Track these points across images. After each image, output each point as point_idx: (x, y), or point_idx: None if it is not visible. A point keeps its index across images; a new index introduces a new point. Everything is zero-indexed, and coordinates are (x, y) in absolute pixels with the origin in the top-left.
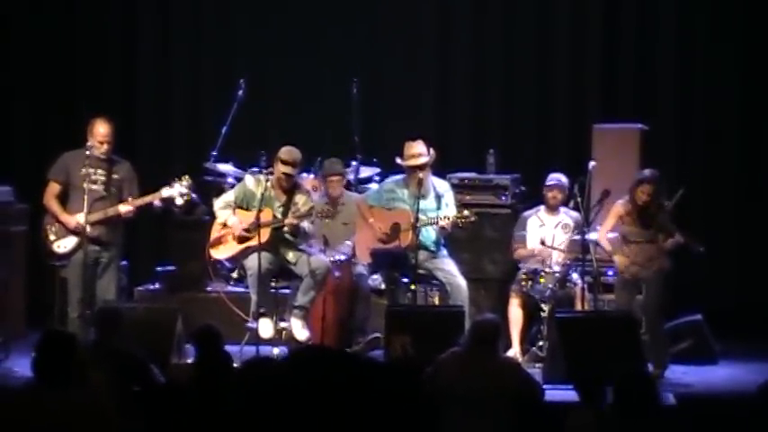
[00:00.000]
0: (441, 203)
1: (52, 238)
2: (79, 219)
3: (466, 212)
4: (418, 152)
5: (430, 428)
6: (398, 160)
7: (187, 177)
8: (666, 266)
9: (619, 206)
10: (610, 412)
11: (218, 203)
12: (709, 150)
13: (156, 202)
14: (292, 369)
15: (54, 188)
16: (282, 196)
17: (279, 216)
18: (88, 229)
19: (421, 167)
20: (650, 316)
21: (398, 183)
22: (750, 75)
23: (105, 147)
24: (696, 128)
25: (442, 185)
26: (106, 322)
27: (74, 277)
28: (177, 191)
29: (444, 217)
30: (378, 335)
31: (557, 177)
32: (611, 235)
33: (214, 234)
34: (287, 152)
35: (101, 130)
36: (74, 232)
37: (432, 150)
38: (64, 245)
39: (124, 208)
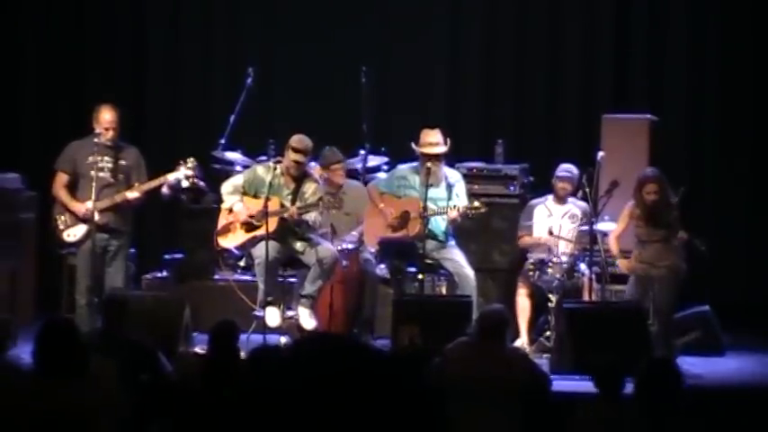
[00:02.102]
0: (451, 193)
1: (62, 227)
2: (88, 206)
3: (476, 203)
4: (435, 141)
5: (436, 419)
6: (413, 146)
7: (192, 160)
8: (678, 265)
9: (627, 209)
10: (631, 404)
11: (225, 187)
12: (719, 142)
13: (165, 190)
14: (297, 358)
15: (62, 178)
16: (292, 184)
17: (287, 204)
18: (96, 216)
19: (437, 157)
20: (659, 314)
21: (411, 170)
22: (763, 66)
23: (111, 133)
24: (707, 119)
25: (454, 175)
26: (113, 309)
27: (82, 265)
28: (183, 173)
29: (454, 207)
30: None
31: (568, 168)
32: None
33: (221, 221)
34: (298, 140)
35: (106, 116)
36: (83, 220)
37: (448, 141)
38: (74, 233)
39: (131, 194)
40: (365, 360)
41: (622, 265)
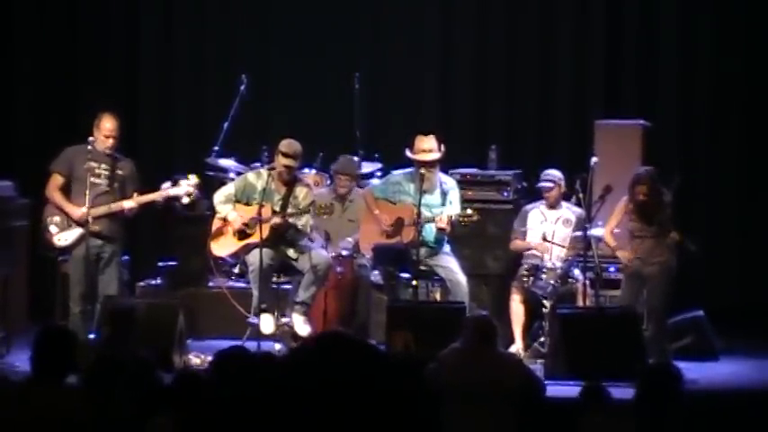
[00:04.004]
0: (445, 200)
1: (53, 230)
2: (84, 210)
3: (468, 211)
4: (429, 147)
5: (431, 424)
6: (407, 152)
7: (194, 177)
8: (669, 262)
9: (622, 204)
10: (633, 409)
11: (217, 197)
12: (711, 147)
13: (160, 199)
14: (299, 360)
15: (57, 180)
16: (282, 189)
17: (277, 210)
18: (90, 222)
19: (431, 163)
20: (654, 313)
21: (406, 176)
22: (753, 71)
23: (111, 141)
24: (699, 125)
25: (449, 182)
26: (121, 320)
27: (76, 273)
28: (184, 190)
29: (447, 215)
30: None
31: (547, 174)
32: (617, 230)
33: (215, 230)
34: (287, 144)
35: (107, 125)
36: (78, 224)
37: (443, 147)
38: (65, 238)
39: (128, 204)
40: (367, 361)
41: (622, 255)
